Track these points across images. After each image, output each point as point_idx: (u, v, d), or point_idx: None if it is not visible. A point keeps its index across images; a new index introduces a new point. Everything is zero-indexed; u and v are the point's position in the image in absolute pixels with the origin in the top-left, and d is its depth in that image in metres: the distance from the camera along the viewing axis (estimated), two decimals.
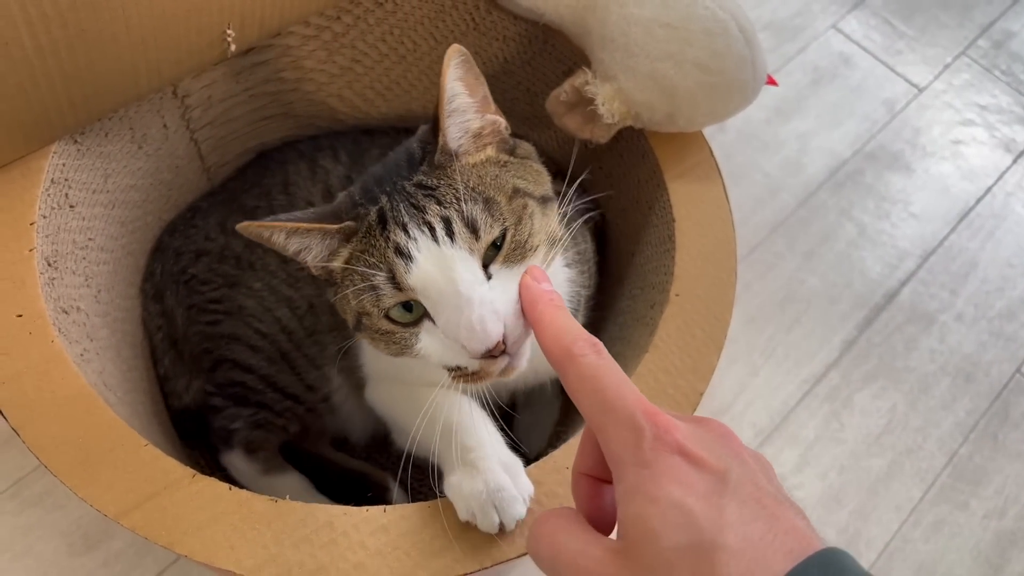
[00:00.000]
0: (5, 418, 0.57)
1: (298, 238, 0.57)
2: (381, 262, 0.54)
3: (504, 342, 0.51)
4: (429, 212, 0.53)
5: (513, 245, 0.54)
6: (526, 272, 0.51)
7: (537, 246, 0.55)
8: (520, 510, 0.56)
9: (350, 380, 0.83)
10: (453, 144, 0.57)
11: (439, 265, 0.52)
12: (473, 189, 0.54)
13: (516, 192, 0.56)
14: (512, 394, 0.83)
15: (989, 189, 1.31)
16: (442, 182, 0.55)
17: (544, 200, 0.58)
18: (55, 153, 0.68)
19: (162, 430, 0.80)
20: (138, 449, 0.57)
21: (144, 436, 0.62)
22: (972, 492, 1.05)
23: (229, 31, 0.70)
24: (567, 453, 0.61)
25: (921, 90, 1.41)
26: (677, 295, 0.69)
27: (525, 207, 0.56)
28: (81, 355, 0.64)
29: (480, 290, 0.52)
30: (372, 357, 0.76)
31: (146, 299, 0.85)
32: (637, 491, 0.38)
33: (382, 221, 0.55)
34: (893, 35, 1.47)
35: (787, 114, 1.35)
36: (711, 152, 0.77)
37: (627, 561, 0.38)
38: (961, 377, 1.13)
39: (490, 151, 0.59)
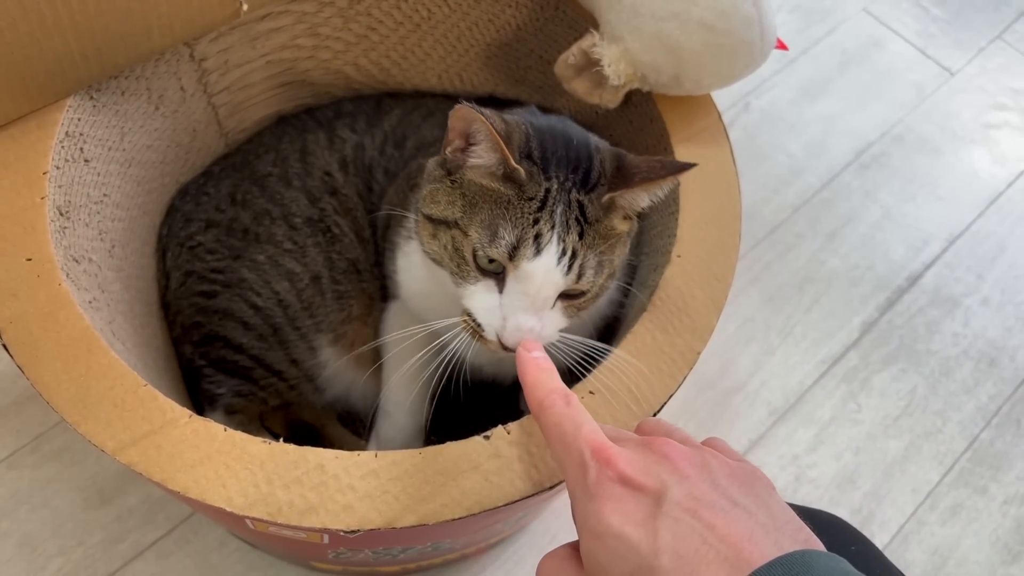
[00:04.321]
0: (11, 356, 0.58)
1: (488, 144, 0.60)
2: (516, 228, 0.60)
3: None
4: (571, 238, 0.60)
5: (578, 305, 0.63)
6: (521, 345, 0.55)
7: (584, 312, 0.65)
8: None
9: (351, 352, 0.84)
10: (624, 204, 0.63)
11: (545, 275, 0.60)
12: (602, 251, 0.62)
13: (612, 274, 0.65)
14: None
15: (1021, 174, 1.29)
16: (593, 224, 0.62)
17: (612, 281, 0.66)
18: (70, 107, 0.69)
19: (173, 386, 0.82)
20: (136, 388, 0.58)
21: (152, 384, 0.64)
22: (992, 477, 1.03)
23: None
24: None
25: (953, 73, 1.39)
26: (679, 256, 0.69)
27: (604, 288, 0.65)
28: (90, 303, 0.65)
29: (545, 311, 0.61)
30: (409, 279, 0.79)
31: (157, 258, 0.87)
32: (585, 526, 0.41)
33: (541, 203, 0.60)
34: (926, 18, 1.45)
35: (813, 95, 1.34)
36: (719, 116, 0.76)
37: None
38: (985, 361, 1.11)
39: (627, 226, 0.65)
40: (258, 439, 0.57)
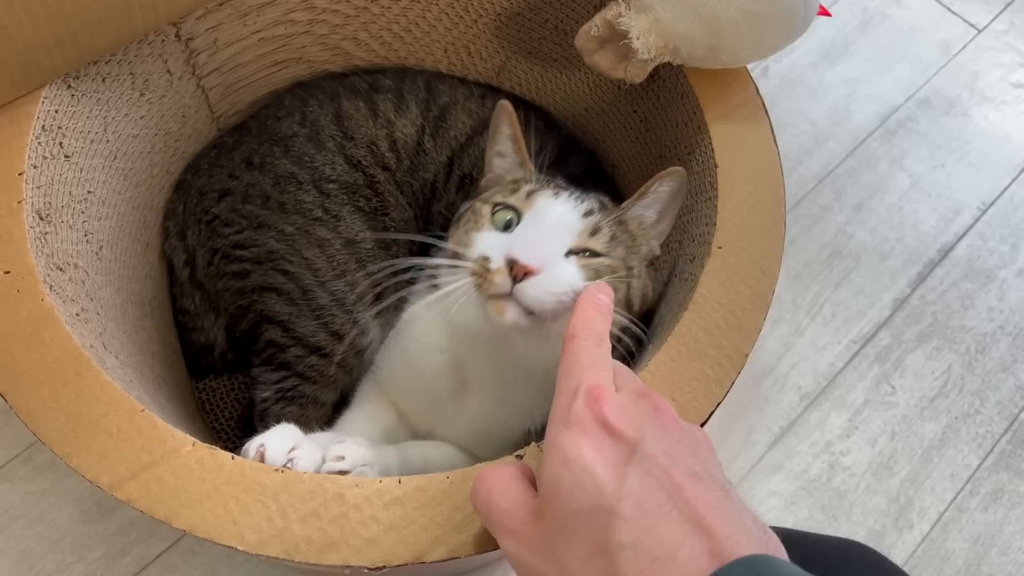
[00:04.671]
0: None
1: (513, 147, 0.70)
2: (536, 183, 0.66)
3: (529, 272, 0.57)
4: (589, 202, 0.65)
5: (594, 267, 0.61)
6: (596, 284, 0.54)
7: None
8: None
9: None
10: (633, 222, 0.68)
11: (561, 214, 0.62)
12: (617, 230, 0.65)
13: (626, 259, 0.64)
14: None
15: None
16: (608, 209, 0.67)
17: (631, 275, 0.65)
18: (46, 98, 0.63)
19: (173, 392, 0.76)
20: (133, 415, 0.52)
21: (150, 401, 0.58)
22: None
23: None
24: None
25: (980, 30, 1.32)
26: (720, 248, 0.63)
27: (623, 270, 0.63)
28: (77, 315, 0.60)
29: (557, 254, 0.60)
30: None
31: (168, 236, 0.82)
32: (555, 447, 0.41)
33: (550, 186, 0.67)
34: None
35: (834, 58, 1.27)
36: (757, 90, 0.70)
37: (540, 522, 0.40)
38: (1023, 337, 1.06)
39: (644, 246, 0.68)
40: (269, 468, 0.52)
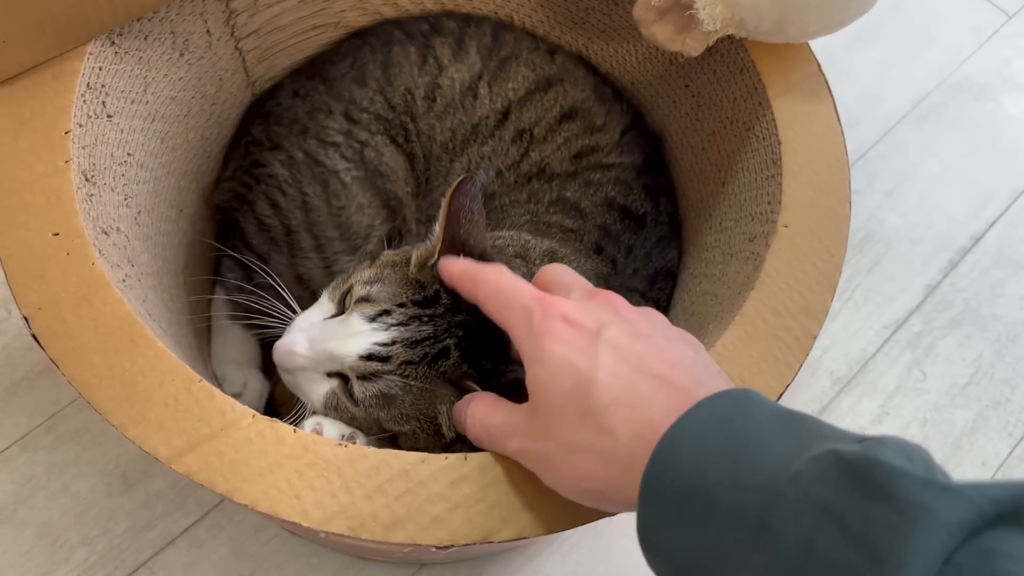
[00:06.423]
0: (43, 348, 0.50)
1: None
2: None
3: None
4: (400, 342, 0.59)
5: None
6: (451, 263, 0.56)
7: None
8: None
9: None
10: None
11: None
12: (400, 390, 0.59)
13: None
14: None
15: None
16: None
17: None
18: (91, 55, 0.60)
19: (207, 364, 0.74)
20: (190, 385, 0.50)
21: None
22: None
23: None
24: None
25: (1011, 16, 1.30)
26: (786, 226, 0.61)
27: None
28: (123, 280, 0.57)
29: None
30: None
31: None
32: (533, 359, 0.45)
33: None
34: None
35: (866, 41, 1.25)
36: (819, 66, 0.69)
37: (534, 415, 0.46)
38: None
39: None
40: (331, 441, 0.50)
